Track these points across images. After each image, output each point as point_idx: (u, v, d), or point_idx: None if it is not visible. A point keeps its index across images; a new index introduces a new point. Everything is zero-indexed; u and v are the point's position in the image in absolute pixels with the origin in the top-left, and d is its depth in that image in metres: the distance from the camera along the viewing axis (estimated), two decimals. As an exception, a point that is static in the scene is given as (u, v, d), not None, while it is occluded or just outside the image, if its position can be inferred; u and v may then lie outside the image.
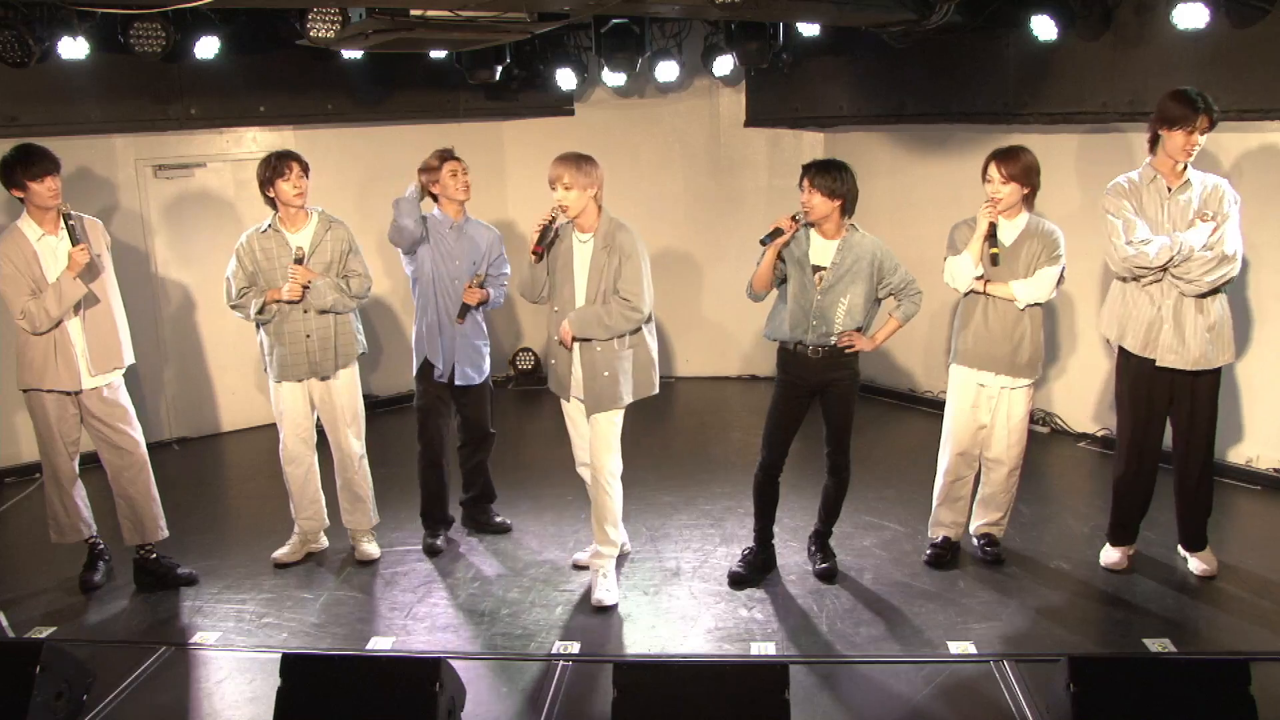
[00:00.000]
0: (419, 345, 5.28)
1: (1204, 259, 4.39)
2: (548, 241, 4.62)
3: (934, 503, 5.09)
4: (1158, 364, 4.57)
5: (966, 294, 4.81)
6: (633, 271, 4.51)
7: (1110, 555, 4.94)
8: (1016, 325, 4.74)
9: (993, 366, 4.80)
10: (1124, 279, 4.62)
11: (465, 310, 5.16)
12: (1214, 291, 4.48)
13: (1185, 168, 4.50)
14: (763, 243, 4.56)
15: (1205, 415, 4.66)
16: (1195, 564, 4.86)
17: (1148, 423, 4.73)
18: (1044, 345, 4.87)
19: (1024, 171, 4.63)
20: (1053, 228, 4.72)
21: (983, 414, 4.90)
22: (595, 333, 4.53)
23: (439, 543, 5.38)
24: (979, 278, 4.71)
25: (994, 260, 4.65)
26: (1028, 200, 4.71)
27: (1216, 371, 4.62)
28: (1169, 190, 4.51)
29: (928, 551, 5.11)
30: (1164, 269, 4.46)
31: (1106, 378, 6.49)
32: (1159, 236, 4.47)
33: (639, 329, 4.63)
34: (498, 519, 5.60)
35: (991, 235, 4.65)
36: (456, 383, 5.23)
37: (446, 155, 5.15)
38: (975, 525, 5.11)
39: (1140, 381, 4.68)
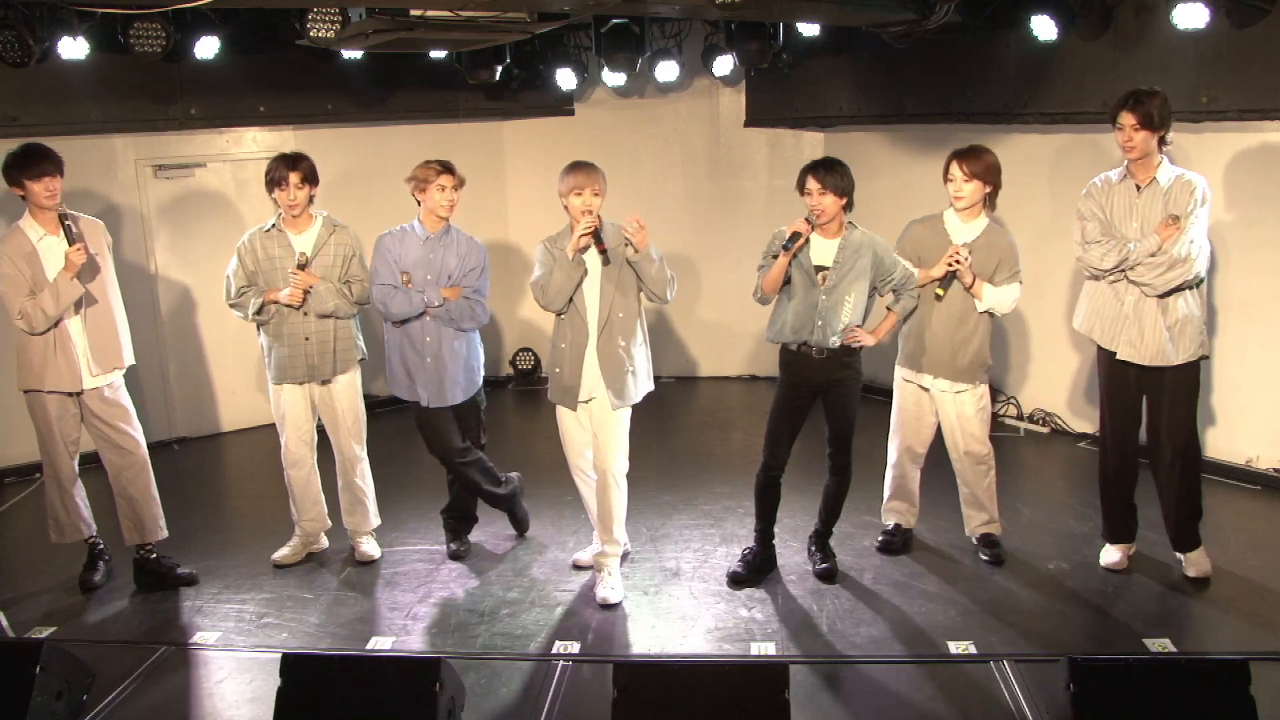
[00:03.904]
0: (393, 376, 5.03)
1: (1153, 263, 4.42)
2: (603, 241, 4.49)
3: (885, 494, 5.21)
4: (1117, 357, 4.63)
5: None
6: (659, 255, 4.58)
7: (1110, 555, 4.94)
8: (959, 329, 4.80)
9: (932, 370, 4.89)
10: (1091, 278, 4.68)
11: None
12: (1179, 290, 4.48)
13: (1160, 164, 4.50)
14: (785, 248, 4.50)
15: (1179, 414, 4.65)
16: (1187, 565, 4.85)
17: (1122, 416, 4.78)
18: (989, 351, 4.91)
19: (986, 170, 4.69)
20: (1012, 240, 4.79)
21: (927, 414, 4.99)
22: (655, 268, 4.49)
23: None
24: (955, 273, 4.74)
25: (937, 298, 4.76)
26: (989, 200, 4.75)
27: (1188, 371, 4.60)
28: (1138, 189, 4.53)
29: (879, 539, 5.22)
30: (1122, 270, 4.50)
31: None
32: (1110, 240, 4.52)
33: (643, 342, 4.72)
34: (453, 545, 5.31)
35: (945, 280, 4.73)
36: (435, 405, 4.98)
37: (446, 168, 4.86)
38: (968, 527, 5.14)
39: (1113, 375, 4.74)
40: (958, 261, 4.67)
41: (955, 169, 4.72)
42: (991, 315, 4.84)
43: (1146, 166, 4.51)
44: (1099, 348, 4.76)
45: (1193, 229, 4.41)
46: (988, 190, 4.72)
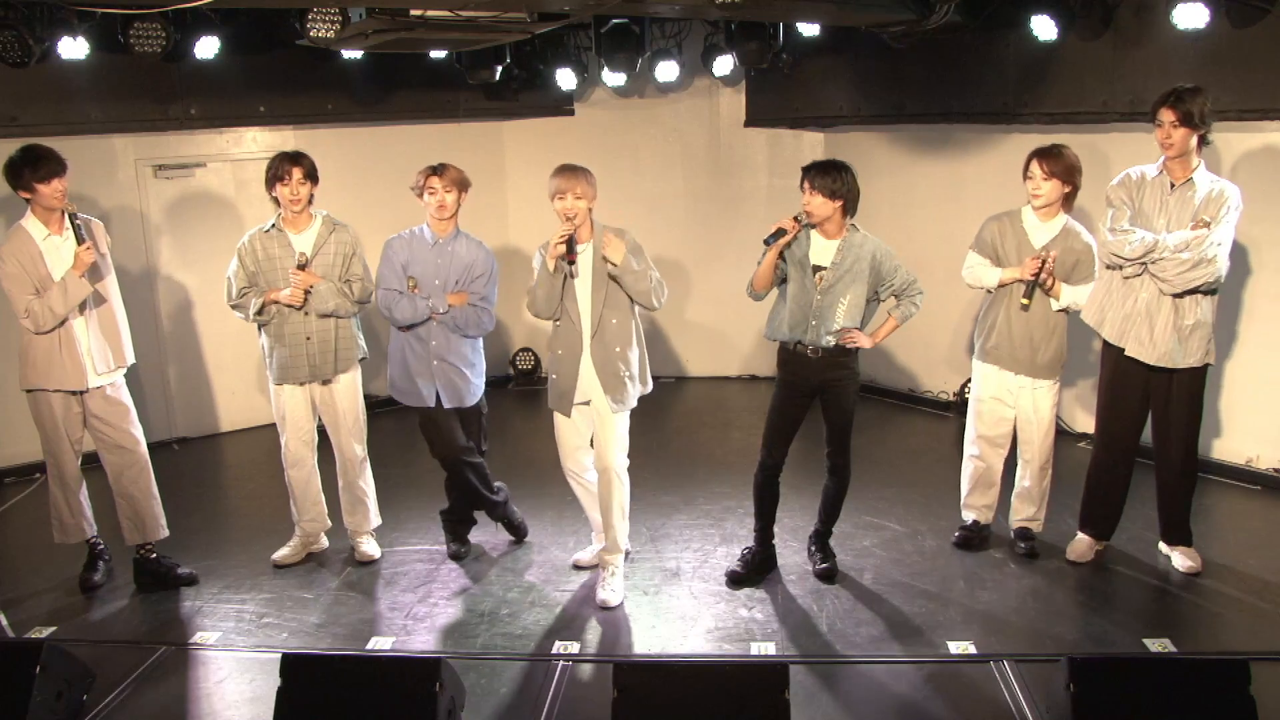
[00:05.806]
0: (394, 381, 5.02)
1: (1179, 260, 4.39)
2: (574, 251, 4.50)
3: (964, 488, 5.17)
4: (1126, 353, 4.62)
5: (991, 290, 4.89)
6: (646, 261, 4.59)
7: (1079, 546, 4.99)
8: (1040, 327, 4.80)
9: (1014, 367, 4.89)
10: (1109, 267, 4.65)
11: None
12: (1195, 293, 4.47)
13: (1197, 166, 4.48)
14: (766, 243, 4.56)
15: (1183, 414, 4.67)
16: (1177, 559, 4.88)
17: (1121, 413, 4.79)
18: (1066, 346, 4.92)
19: (1066, 170, 4.69)
20: (1090, 240, 4.78)
21: (1007, 402, 4.98)
22: (633, 278, 4.50)
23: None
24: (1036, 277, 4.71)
25: (1023, 308, 4.74)
26: (1068, 200, 4.74)
27: (1196, 372, 4.62)
28: (1171, 187, 4.51)
29: (956, 533, 5.19)
30: (1142, 264, 4.48)
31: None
32: (1142, 231, 4.48)
33: (638, 343, 4.72)
34: (453, 546, 5.30)
35: (1029, 289, 4.70)
36: (445, 406, 5.00)
37: (430, 171, 4.84)
38: (1014, 520, 5.17)
39: (1117, 371, 4.73)
40: (1041, 268, 4.64)
41: (1035, 167, 4.70)
42: (1066, 312, 4.83)
43: (1184, 165, 4.47)
44: (1105, 342, 4.75)
45: (1219, 231, 4.39)
46: (1066, 190, 4.71)
